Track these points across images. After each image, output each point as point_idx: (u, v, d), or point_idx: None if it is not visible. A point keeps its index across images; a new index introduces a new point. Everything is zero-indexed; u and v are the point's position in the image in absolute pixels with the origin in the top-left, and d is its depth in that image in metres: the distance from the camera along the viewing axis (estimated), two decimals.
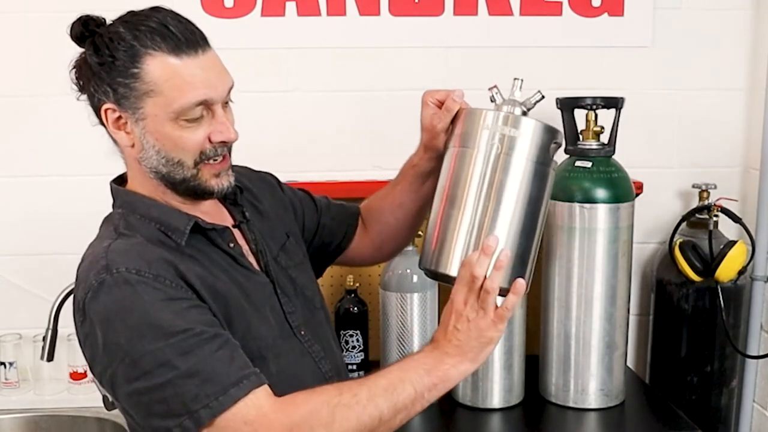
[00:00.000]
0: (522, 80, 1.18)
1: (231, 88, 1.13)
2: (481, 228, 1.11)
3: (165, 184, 1.14)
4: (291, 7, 1.93)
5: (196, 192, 1.14)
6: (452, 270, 1.12)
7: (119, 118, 1.10)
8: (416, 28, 1.96)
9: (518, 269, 1.12)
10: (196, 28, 1.10)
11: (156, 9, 1.09)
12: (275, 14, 1.93)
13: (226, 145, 1.13)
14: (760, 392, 2.01)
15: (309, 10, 1.93)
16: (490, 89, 1.19)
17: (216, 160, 1.13)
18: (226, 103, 1.13)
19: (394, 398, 1.04)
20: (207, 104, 1.09)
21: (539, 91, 1.17)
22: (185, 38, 1.06)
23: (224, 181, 1.15)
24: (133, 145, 1.11)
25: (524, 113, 1.16)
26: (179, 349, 0.99)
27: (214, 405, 0.98)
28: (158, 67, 1.05)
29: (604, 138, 1.77)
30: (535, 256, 1.15)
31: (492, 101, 1.19)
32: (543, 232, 1.18)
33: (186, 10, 1.99)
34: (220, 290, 1.10)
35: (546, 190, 1.14)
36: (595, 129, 1.75)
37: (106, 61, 1.06)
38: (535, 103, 1.17)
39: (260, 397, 1.01)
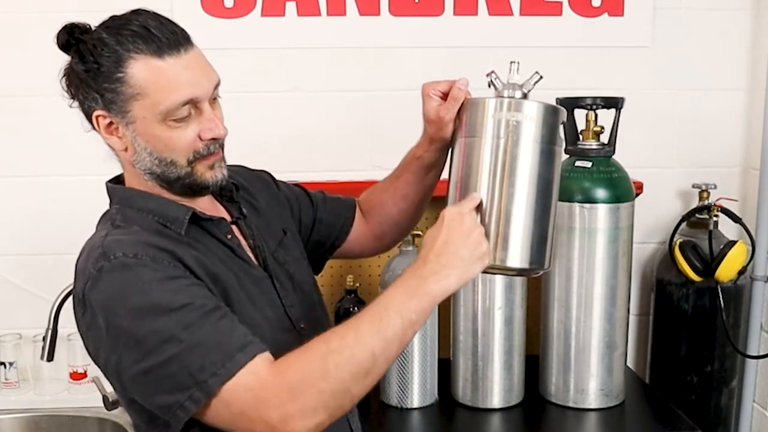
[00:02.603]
0: (519, 63, 1.18)
1: (218, 84, 1.13)
2: (498, 214, 1.12)
3: (161, 184, 1.14)
4: (291, 7, 1.93)
5: (192, 188, 1.14)
6: None
7: (110, 123, 1.10)
8: (416, 28, 1.96)
9: (539, 249, 1.14)
10: (178, 27, 1.10)
11: (137, 12, 1.09)
12: (275, 14, 1.93)
13: (217, 142, 1.13)
14: (760, 392, 2.01)
15: (309, 10, 1.93)
16: (487, 75, 1.19)
17: (209, 156, 1.13)
18: (215, 99, 1.14)
19: (381, 331, 1.01)
20: (194, 103, 1.09)
21: (537, 72, 1.17)
22: (167, 39, 1.07)
23: (218, 173, 1.15)
24: (126, 149, 1.12)
25: (525, 96, 1.17)
26: (181, 323, 0.99)
27: (221, 372, 0.98)
28: (142, 69, 1.06)
29: (604, 138, 1.77)
30: (553, 234, 1.17)
31: (490, 86, 1.20)
32: (557, 210, 1.19)
33: (186, 10, 2.00)
34: (218, 275, 1.11)
35: (556, 168, 1.16)
36: (595, 129, 1.75)
37: (91, 68, 1.07)
38: (534, 84, 1.18)
39: (258, 363, 1.01)
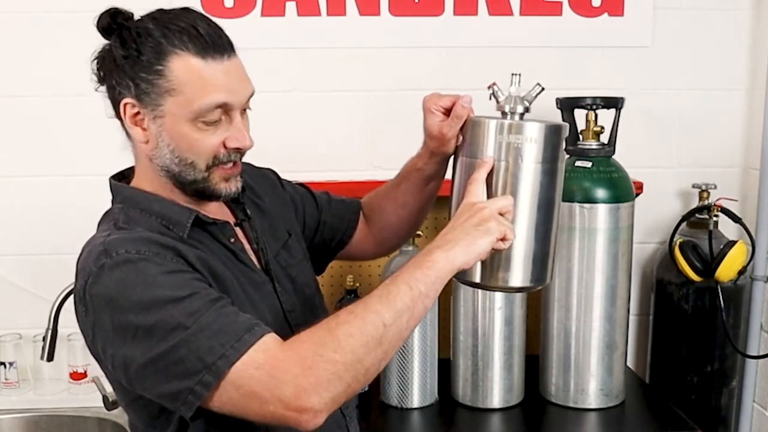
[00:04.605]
0: (520, 75, 1.18)
1: (251, 96, 1.13)
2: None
3: (174, 183, 1.14)
4: (291, 7, 1.93)
5: (204, 193, 1.14)
6: (475, 277, 1.14)
7: (137, 113, 1.10)
8: (416, 28, 1.96)
9: (541, 267, 1.15)
10: (224, 33, 1.11)
11: (187, 10, 1.10)
12: (275, 14, 1.93)
13: (240, 152, 1.13)
14: (760, 392, 2.01)
15: (309, 10, 1.93)
16: (489, 87, 1.19)
17: (228, 165, 1.13)
18: (244, 110, 1.14)
19: (390, 300, 1.02)
20: (226, 109, 1.09)
21: (538, 84, 1.17)
22: (212, 42, 1.07)
23: (232, 186, 1.15)
24: (147, 142, 1.11)
25: (527, 109, 1.17)
26: (187, 311, 0.99)
27: (230, 353, 0.97)
28: (183, 66, 1.06)
29: (604, 138, 1.77)
30: (555, 250, 1.18)
31: (491, 98, 1.19)
32: (559, 222, 1.20)
33: None
34: (220, 275, 1.11)
35: (558, 185, 1.16)
36: (595, 129, 1.76)
37: (131, 54, 1.07)
38: (535, 96, 1.17)
39: (267, 341, 1.00)
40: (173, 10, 1.10)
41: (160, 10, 1.10)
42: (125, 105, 1.10)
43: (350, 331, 0.99)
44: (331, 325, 1.00)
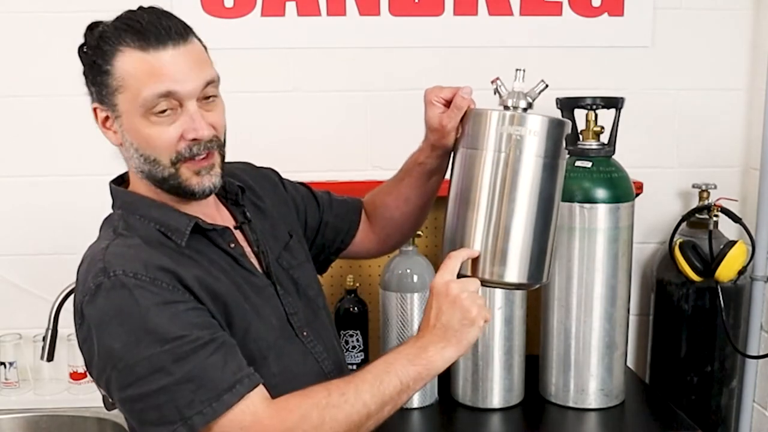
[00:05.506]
0: (524, 70, 1.17)
1: (210, 82, 1.09)
2: (497, 229, 1.12)
3: (152, 183, 1.13)
4: (291, 7, 1.93)
5: (179, 192, 1.12)
6: (471, 271, 1.14)
7: (107, 117, 1.11)
8: (416, 28, 1.96)
9: (538, 264, 1.14)
10: (176, 23, 1.08)
11: (143, 8, 1.09)
12: (275, 14, 1.93)
13: (200, 143, 1.09)
14: (760, 392, 2.01)
15: (309, 10, 1.93)
16: (492, 81, 1.18)
17: (197, 158, 1.09)
18: (208, 98, 1.10)
19: (380, 392, 1.06)
20: (174, 98, 1.06)
21: (542, 80, 1.17)
22: (155, 33, 1.05)
23: (206, 181, 1.11)
24: (121, 144, 1.12)
25: (529, 105, 1.16)
26: (174, 355, 1.00)
27: (207, 411, 1.00)
28: (126, 62, 1.05)
29: (604, 138, 1.77)
30: (553, 247, 1.17)
31: (495, 93, 1.19)
32: (558, 222, 1.20)
33: (186, 10, 2.00)
34: (219, 292, 1.10)
35: (558, 182, 1.15)
36: (595, 129, 1.75)
37: (89, 61, 1.09)
38: (539, 93, 1.17)
39: (255, 402, 1.02)
40: (135, 10, 1.09)
41: (126, 11, 1.09)
42: (95, 110, 1.11)
43: (337, 416, 1.03)
44: (321, 403, 1.04)
